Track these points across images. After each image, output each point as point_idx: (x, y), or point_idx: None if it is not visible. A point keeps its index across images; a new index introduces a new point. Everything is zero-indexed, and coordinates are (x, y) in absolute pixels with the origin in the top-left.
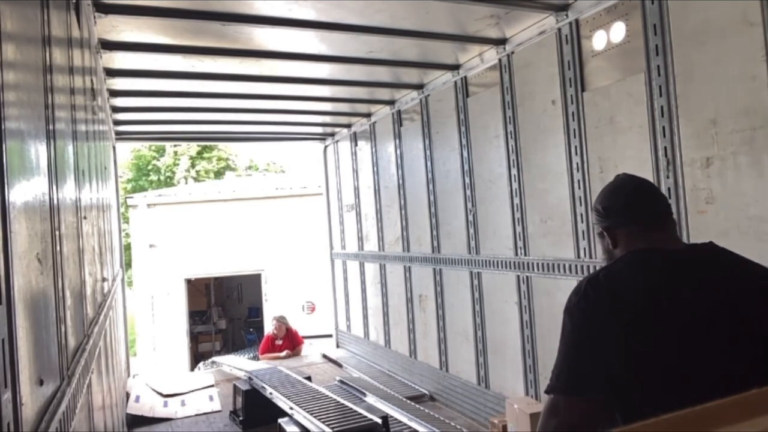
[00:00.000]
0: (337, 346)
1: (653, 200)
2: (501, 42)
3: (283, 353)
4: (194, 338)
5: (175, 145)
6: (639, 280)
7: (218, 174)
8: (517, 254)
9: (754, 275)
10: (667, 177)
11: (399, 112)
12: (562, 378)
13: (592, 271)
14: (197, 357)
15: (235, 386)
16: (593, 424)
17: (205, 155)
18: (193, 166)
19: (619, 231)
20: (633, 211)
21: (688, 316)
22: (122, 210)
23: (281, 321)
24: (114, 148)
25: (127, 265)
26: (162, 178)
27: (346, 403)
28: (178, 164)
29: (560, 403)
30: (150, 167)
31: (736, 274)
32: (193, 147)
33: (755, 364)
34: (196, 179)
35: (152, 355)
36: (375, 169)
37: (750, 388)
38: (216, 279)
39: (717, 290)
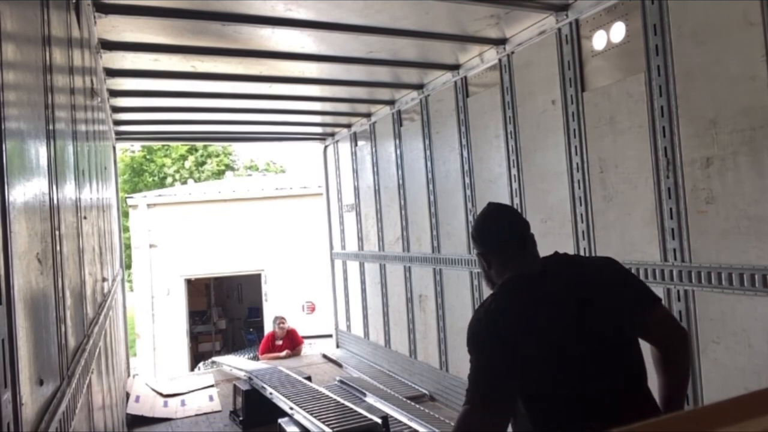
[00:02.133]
0: (337, 346)
1: (513, 226)
2: (501, 42)
3: (283, 353)
4: (194, 338)
5: (165, 145)
6: (515, 309)
7: (218, 174)
8: None
9: (597, 271)
10: (667, 177)
11: (399, 112)
12: (478, 391)
13: None
14: (197, 357)
15: (235, 386)
16: (503, 422)
17: (204, 155)
18: (197, 167)
19: (490, 255)
20: (497, 238)
21: (553, 324)
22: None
23: (283, 320)
24: (114, 148)
25: (127, 265)
26: (157, 179)
27: (346, 403)
28: (179, 166)
29: (476, 410)
30: (148, 168)
31: (584, 276)
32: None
33: (612, 347)
34: (195, 179)
35: (152, 355)
36: (375, 169)
37: (610, 370)
38: (216, 279)
39: (570, 297)
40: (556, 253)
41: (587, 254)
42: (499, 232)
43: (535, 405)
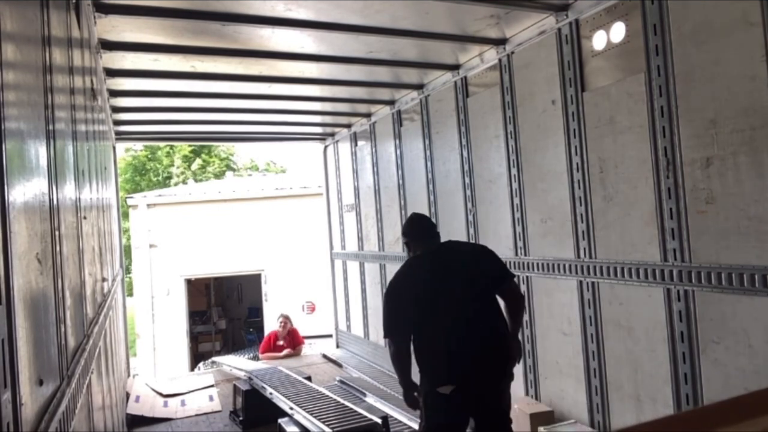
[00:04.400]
0: (337, 346)
1: (427, 226)
2: (501, 42)
3: (283, 353)
4: (194, 338)
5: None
6: (414, 271)
7: (219, 175)
8: (517, 254)
9: (473, 252)
10: (667, 177)
11: (399, 112)
12: (388, 327)
13: (592, 270)
14: (197, 357)
15: (235, 386)
16: (405, 345)
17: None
18: (199, 169)
19: (411, 243)
20: (416, 232)
21: (437, 282)
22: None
23: (287, 319)
24: (114, 148)
25: (127, 265)
26: (160, 178)
27: (346, 403)
28: (178, 167)
29: (389, 339)
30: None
31: (464, 255)
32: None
33: (478, 297)
34: (198, 180)
35: (152, 355)
36: (375, 169)
37: (467, 313)
38: (216, 279)
39: (451, 264)
40: (450, 240)
41: (587, 254)
42: (418, 229)
43: (418, 334)
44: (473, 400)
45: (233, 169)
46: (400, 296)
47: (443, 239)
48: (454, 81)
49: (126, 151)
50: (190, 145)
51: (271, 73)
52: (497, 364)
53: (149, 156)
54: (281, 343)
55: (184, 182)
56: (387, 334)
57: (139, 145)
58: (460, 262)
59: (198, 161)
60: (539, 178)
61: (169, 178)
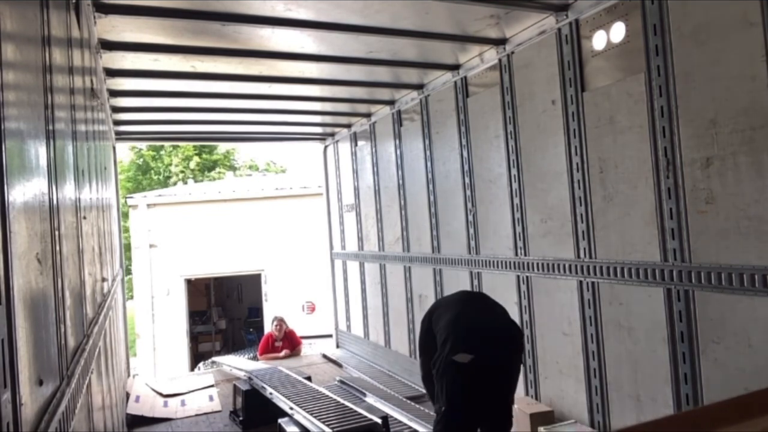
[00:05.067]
0: (337, 346)
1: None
2: (501, 42)
3: (282, 353)
4: (194, 338)
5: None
6: (443, 306)
7: (218, 175)
8: (517, 254)
9: (491, 302)
10: (667, 177)
11: (399, 112)
12: (420, 346)
13: (591, 270)
14: (197, 357)
15: (235, 386)
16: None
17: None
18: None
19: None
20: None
21: (461, 314)
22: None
23: (282, 322)
24: (114, 148)
25: (127, 265)
26: (161, 177)
27: (346, 403)
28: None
29: (420, 355)
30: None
31: (485, 300)
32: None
33: (500, 337)
34: (199, 180)
35: (152, 355)
36: (375, 169)
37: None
38: (216, 279)
39: (476, 304)
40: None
41: (587, 254)
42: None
43: (447, 352)
44: (486, 369)
45: (233, 169)
46: (430, 323)
47: (443, 240)
48: (454, 81)
49: (131, 149)
50: (186, 144)
51: (271, 73)
52: (512, 343)
53: (154, 155)
54: (278, 344)
55: (183, 181)
56: (420, 351)
57: (144, 145)
58: (480, 302)
59: (196, 159)
60: (539, 178)
61: (169, 177)
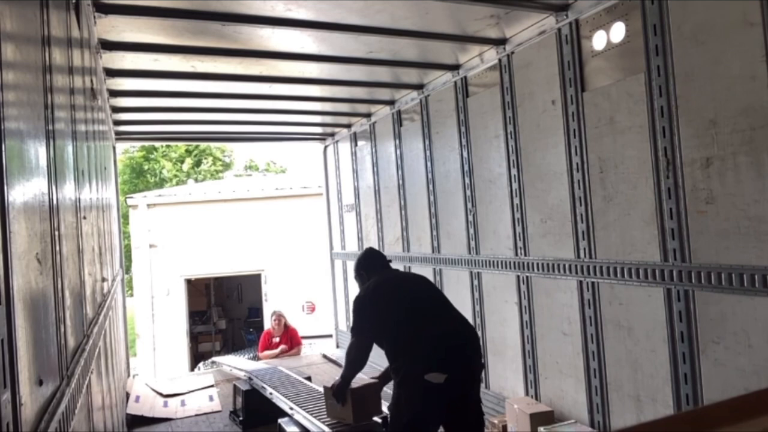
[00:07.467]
0: (337, 346)
1: (382, 257)
2: (501, 42)
3: (279, 348)
4: (194, 338)
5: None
6: (382, 287)
7: (215, 174)
8: (517, 254)
9: (419, 278)
10: (667, 177)
11: (399, 112)
12: (355, 329)
13: (591, 270)
14: (197, 357)
15: (235, 386)
16: (367, 345)
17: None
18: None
19: (367, 273)
20: (373, 265)
21: (407, 292)
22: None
23: (281, 316)
24: (114, 148)
25: (127, 265)
26: (157, 179)
27: None
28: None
29: (355, 339)
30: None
31: (411, 277)
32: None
33: (444, 303)
34: (193, 179)
35: (152, 355)
36: (375, 169)
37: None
38: (216, 279)
39: (407, 283)
40: (396, 269)
41: (587, 254)
42: (375, 262)
43: (398, 334)
44: (459, 386)
45: (230, 167)
46: (375, 304)
47: (443, 240)
48: (454, 81)
49: (123, 153)
50: (183, 144)
51: (271, 73)
52: (477, 350)
53: (146, 157)
54: (277, 340)
55: (180, 183)
56: (357, 333)
57: (135, 146)
58: (417, 281)
59: (188, 160)
60: (539, 178)
61: (164, 180)
